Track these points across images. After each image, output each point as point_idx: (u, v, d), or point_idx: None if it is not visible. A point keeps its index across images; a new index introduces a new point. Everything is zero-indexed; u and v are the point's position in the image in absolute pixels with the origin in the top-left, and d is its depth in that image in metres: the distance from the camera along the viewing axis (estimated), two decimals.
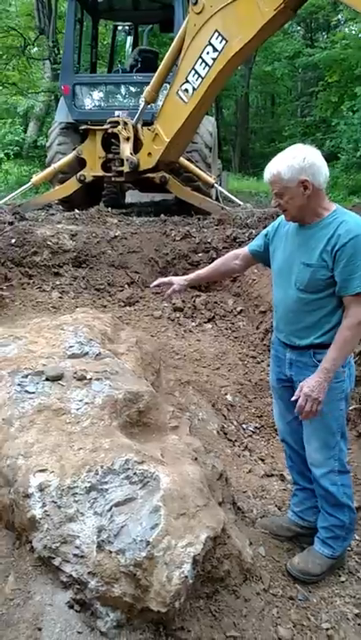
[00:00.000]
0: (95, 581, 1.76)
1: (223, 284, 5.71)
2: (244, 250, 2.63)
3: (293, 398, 2.19)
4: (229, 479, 2.60)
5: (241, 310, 5.32)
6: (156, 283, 2.81)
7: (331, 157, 14.89)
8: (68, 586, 1.80)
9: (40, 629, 1.71)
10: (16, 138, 17.56)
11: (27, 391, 2.39)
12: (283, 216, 2.32)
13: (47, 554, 1.84)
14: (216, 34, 6.46)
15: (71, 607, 1.77)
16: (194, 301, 5.49)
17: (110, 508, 1.88)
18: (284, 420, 2.54)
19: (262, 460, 3.39)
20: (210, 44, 6.53)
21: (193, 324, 5.24)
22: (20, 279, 5.65)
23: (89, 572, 1.77)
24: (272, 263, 2.43)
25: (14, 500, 1.97)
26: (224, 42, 6.44)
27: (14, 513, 1.97)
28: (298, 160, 2.09)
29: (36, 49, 20.01)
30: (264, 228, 5.49)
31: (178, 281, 2.75)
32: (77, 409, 2.31)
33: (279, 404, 2.55)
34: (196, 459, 2.29)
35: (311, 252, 2.17)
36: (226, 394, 3.91)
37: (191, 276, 2.81)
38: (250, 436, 3.63)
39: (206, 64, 6.64)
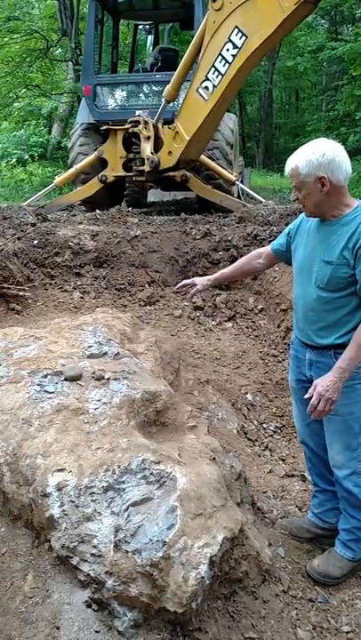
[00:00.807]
0: (112, 581, 1.77)
1: (244, 283, 5.67)
2: (267, 248, 2.61)
3: (307, 396, 2.16)
4: (249, 479, 2.59)
5: (262, 309, 5.28)
6: (179, 285, 2.81)
7: (355, 152, 14.66)
8: (85, 585, 1.82)
9: (58, 628, 1.73)
10: (40, 139, 17.78)
11: (46, 391, 2.41)
12: (303, 213, 2.29)
13: (65, 553, 1.86)
14: (236, 30, 6.41)
15: (89, 606, 1.79)
16: (214, 300, 5.47)
17: (127, 508, 1.89)
18: (303, 422, 2.51)
19: (283, 460, 3.36)
20: (230, 40, 6.49)
21: (213, 322, 5.23)
22: (42, 280, 5.72)
23: (106, 572, 1.79)
24: (293, 261, 2.40)
25: (33, 500, 2.00)
26: (244, 38, 6.39)
27: (33, 512, 2.00)
28: (317, 155, 2.05)
29: (58, 51, 20.21)
30: (286, 225, 5.43)
31: (201, 281, 2.75)
32: (95, 409, 2.33)
33: (299, 405, 2.51)
34: (214, 459, 2.28)
35: (332, 250, 2.14)
36: (246, 393, 3.88)
37: (215, 275, 2.81)
38: (270, 435, 3.60)
39: (226, 61, 6.59)
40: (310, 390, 2.15)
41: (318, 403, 2.11)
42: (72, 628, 1.74)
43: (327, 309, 2.19)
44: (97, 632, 1.74)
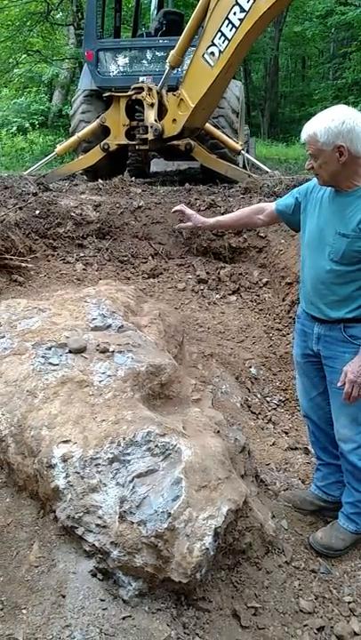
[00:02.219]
0: (117, 551, 1.78)
1: (249, 256, 5.61)
2: (271, 206, 2.53)
3: (339, 384, 2.14)
4: (252, 452, 2.59)
5: (266, 282, 5.23)
6: (178, 208, 2.74)
7: None
8: (90, 555, 1.84)
9: (64, 596, 1.75)
10: (41, 107, 17.44)
11: (50, 363, 2.40)
12: (315, 180, 2.21)
13: (70, 523, 1.87)
14: None
15: (94, 575, 1.80)
16: (218, 273, 5.41)
17: (132, 479, 1.90)
18: (307, 396, 2.50)
19: (286, 433, 3.37)
20: (237, 3, 6.27)
21: (217, 296, 5.19)
22: (44, 251, 5.65)
23: (111, 542, 1.80)
24: (302, 231, 2.33)
25: (38, 471, 2.00)
26: (252, 1, 6.17)
27: (38, 483, 2.00)
28: (336, 123, 1.97)
29: (59, 14, 19.63)
30: None
31: (196, 220, 2.69)
32: (100, 381, 2.31)
33: (303, 379, 2.50)
34: (218, 431, 2.28)
35: (348, 222, 2.08)
36: (250, 366, 3.88)
37: (211, 220, 2.74)
38: (274, 409, 3.61)
39: (233, 25, 6.38)
40: (342, 378, 2.13)
41: (352, 390, 2.09)
42: (77, 596, 1.76)
43: (339, 283, 2.15)
44: (102, 600, 1.76)
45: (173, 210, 2.80)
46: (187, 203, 6.29)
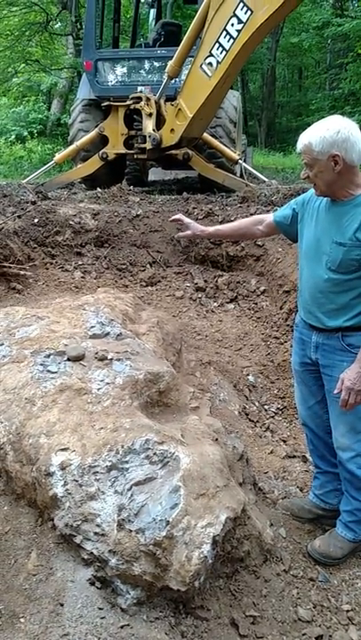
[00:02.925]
0: (115, 560, 1.78)
1: (246, 264, 5.64)
2: (269, 217, 2.55)
3: (336, 392, 2.15)
4: (250, 460, 2.59)
5: (264, 290, 5.25)
6: (176, 217, 2.76)
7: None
8: (89, 563, 1.83)
9: (62, 605, 1.74)
10: (39, 116, 17.51)
11: (49, 371, 2.40)
12: (312, 190, 2.24)
13: (69, 532, 1.87)
14: (241, 4, 6.27)
15: (92, 584, 1.80)
16: (216, 281, 5.44)
17: (130, 487, 1.90)
18: (305, 405, 2.51)
19: (284, 442, 3.37)
20: (234, 15, 6.35)
21: (215, 304, 5.20)
22: (42, 259, 5.67)
23: (109, 551, 1.79)
24: (299, 241, 2.35)
25: (36, 479, 2.00)
26: (249, 12, 6.25)
27: (36, 491, 2.00)
28: (331, 132, 1.99)
29: (58, 24, 19.78)
30: None
31: (195, 228, 2.70)
32: (98, 389, 2.32)
33: (301, 388, 2.51)
34: (216, 439, 2.28)
35: (344, 231, 2.10)
36: (248, 374, 3.88)
37: (210, 229, 2.76)
38: (272, 417, 3.61)
39: (231, 36, 6.46)
40: (338, 385, 2.14)
41: (349, 397, 2.10)
42: (76, 604, 1.75)
43: (337, 291, 2.16)
44: (100, 609, 1.75)
45: (171, 219, 2.82)
46: (184, 211, 6.33)
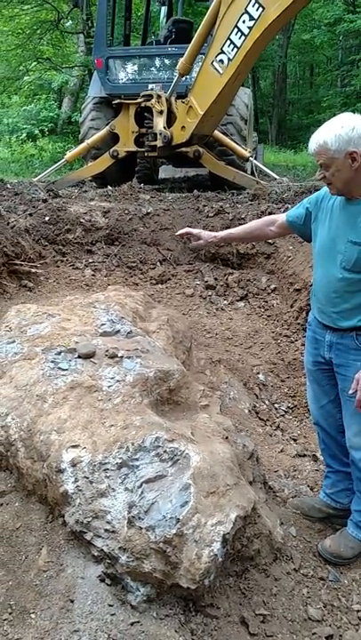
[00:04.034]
0: (126, 557, 1.78)
1: (257, 262, 5.61)
2: (282, 217, 2.53)
3: (351, 392, 2.13)
4: (260, 458, 2.59)
5: (275, 288, 5.23)
6: (182, 231, 2.74)
7: None
8: (99, 560, 1.84)
9: (72, 601, 1.75)
10: (50, 114, 17.55)
11: (60, 368, 2.41)
12: (326, 189, 2.22)
13: (79, 528, 1.87)
14: (253, 1, 6.23)
15: (102, 581, 1.81)
16: (226, 279, 5.42)
17: (141, 485, 1.90)
18: (318, 404, 2.49)
19: (295, 440, 3.36)
20: (246, 12, 6.31)
21: (225, 302, 5.19)
22: (53, 257, 5.69)
23: (120, 548, 1.80)
24: (313, 240, 2.33)
25: (47, 475, 2.01)
26: (261, 9, 6.21)
27: (47, 487, 2.01)
28: (346, 130, 1.97)
29: (69, 23, 19.80)
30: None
31: (206, 236, 2.68)
32: (109, 386, 2.32)
33: (314, 387, 2.49)
34: (226, 437, 2.28)
35: (359, 230, 2.08)
36: (258, 373, 3.87)
37: (222, 233, 2.74)
38: (282, 415, 3.60)
39: (242, 33, 6.42)
40: (353, 385, 2.12)
41: None
42: (86, 601, 1.76)
43: (351, 291, 2.15)
44: (110, 606, 1.76)
45: (178, 233, 2.80)
46: (195, 209, 6.32)
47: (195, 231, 2.71)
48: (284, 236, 2.68)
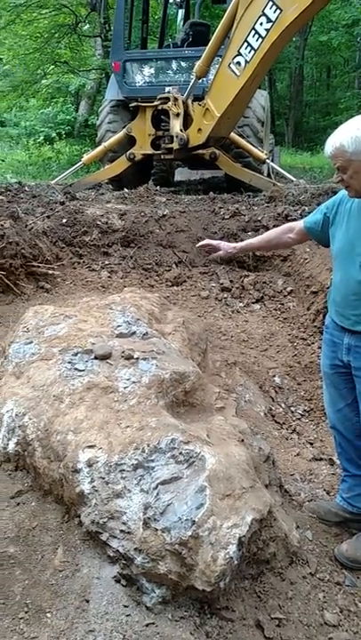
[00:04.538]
0: (141, 558, 1.78)
1: (273, 264, 5.59)
2: (300, 224, 2.53)
3: None
4: (276, 462, 2.57)
5: (291, 291, 5.21)
6: (202, 243, 2.76)
7: None
8: (114, 561, 1.84)
9: (88, 601, 1.76)
10: (67, 117, 17.71)
11: (76, 369, 2.42)
12: (344, 192, 2.21)
13: (95, 529, 1.88)
14: (270, 3, 6.24)
15: (118, 581, 1.81)
16: (242, 281, 5.41)
17: (156, 486, 1.90)
18: (335, 407, 2.47)
19: (311, 444, 3.33)
20: (263, 14, 6.31)
21: (241, 304, 5.18)
22: (70, 258, 5.73)
23: (135, 549, 1.80)
24: (332, 243, 2.32)
25: (63, 475, 2.02)
26: (279, 11, 6.21)
27: (63, 487, 2.02)
28: None
29: (87, 26, 19.95)
30: (318, 204, 5.26)
31: (226, 247, 2.71)
32: (125, 387, 2.33)
33: (331, 390, 2.47)
34: (242, 440, 2.27)
35: None
36: (274, 376, 3.85)
37: (241, 244, 2.76)
38: (298, 419, 3.58)
39: (260, 35, 6.43)
40: None
41: None
42: (101, 601, 1.76)
43: None
44: (125, 607, 1.76)
45: (198, 245, 2.82)
46: (211, 211, 6.32)
47: (214, 242, 2.74)
48: (303, 242, 2.69)
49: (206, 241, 2.76)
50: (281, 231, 2.61)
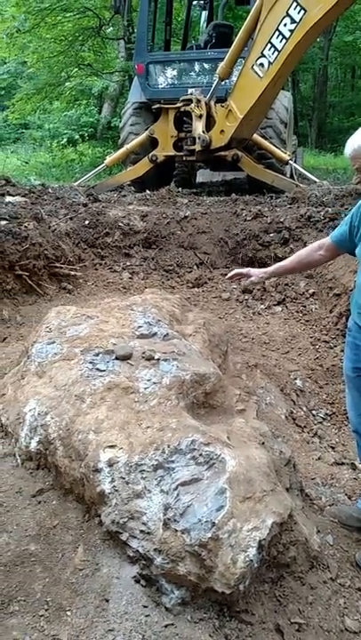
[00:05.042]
0: (161, 558, 1.79)
1: None
2: (328, 239, 2.49)
3: None
4: (297, 465, 2.55)
5: (313, 293, 5.16)
6: (232, 274, 2.73)
7: None
8: (134, 561, 1.85)
9: (107, 600, 1.76)
10: (90, 119, 17.84)
11: (98, 369, 2.44)
12: None
13: (115, 528, 1.89)
14: (294, 4, 6.20)
15: (137, 582, 1.82)
16: (263, 283, 5.38)
17: (176, 487, 1.90)
18: (357, 411, 2.44)
19: (333, 448, 3.30)
20: (288, 15, 6.28)
21: (262, 306, 5.15)
22: (92, 260, 5.78)
23: (155, 549, 1.81)
24: (357, 246, 2.30)
25: (84, 474, 2.03)
26: (303, 12, 6.16)
27: (84, 486, 2.04)
28: None
29: (110, 29, 20.09)
30: (341, 206, 5.17)
31: (256, 273, 2.65)
32: (145, 388, 2.34)
33: (353, 394, 2.44)
34: (263, 443, 2.26)
35: None
36: (295, 378, 3.82)
37: (271, 268, 2.68)
38: (320, 422, 3.54)
39: (283, 36, 6.39)
40: None
41: None
42: (121, 601, 1.77)
43: None
44: (145, 607, 1.76)
45: (227, 277, 2.80)
46: (233, 212, 6.30)
47: (243, 270, 2.71)
48: (334, 257, 2.62)
49: (235, 271, 2.72)
50: (311, 249, 2.56)
